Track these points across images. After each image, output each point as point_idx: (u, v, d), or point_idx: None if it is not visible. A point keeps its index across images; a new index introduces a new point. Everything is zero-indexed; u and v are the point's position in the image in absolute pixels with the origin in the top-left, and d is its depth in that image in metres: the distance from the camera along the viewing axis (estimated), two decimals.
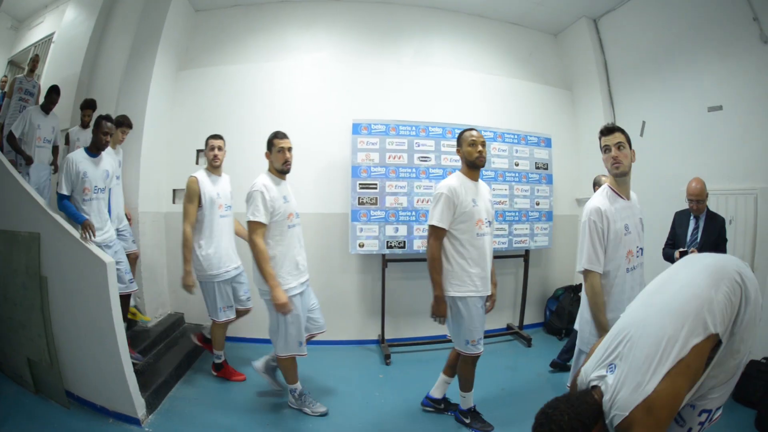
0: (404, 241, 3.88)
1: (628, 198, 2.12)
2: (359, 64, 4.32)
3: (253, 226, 2.49)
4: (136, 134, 3.62)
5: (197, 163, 4.20)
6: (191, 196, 2.95)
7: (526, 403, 2.85)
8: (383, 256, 3.87)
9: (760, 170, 3.22)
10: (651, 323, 1.38)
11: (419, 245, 3.90)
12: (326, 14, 4.37)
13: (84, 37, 3.85)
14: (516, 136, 4.28)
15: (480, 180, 2.53)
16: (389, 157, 3.88)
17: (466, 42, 4.69)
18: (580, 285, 4.61)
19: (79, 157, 2.85)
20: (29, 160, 3.56)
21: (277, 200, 2.56)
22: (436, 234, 2.38)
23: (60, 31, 4.23)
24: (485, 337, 2.54)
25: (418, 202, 3.91)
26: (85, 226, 2.60)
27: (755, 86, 3.24)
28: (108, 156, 3.05)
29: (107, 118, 2.93)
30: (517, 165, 4.25)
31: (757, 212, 3.19)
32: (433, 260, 2.38)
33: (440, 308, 2.40)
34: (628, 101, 4.54)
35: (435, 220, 2.37)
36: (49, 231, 2.62)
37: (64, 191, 2.78)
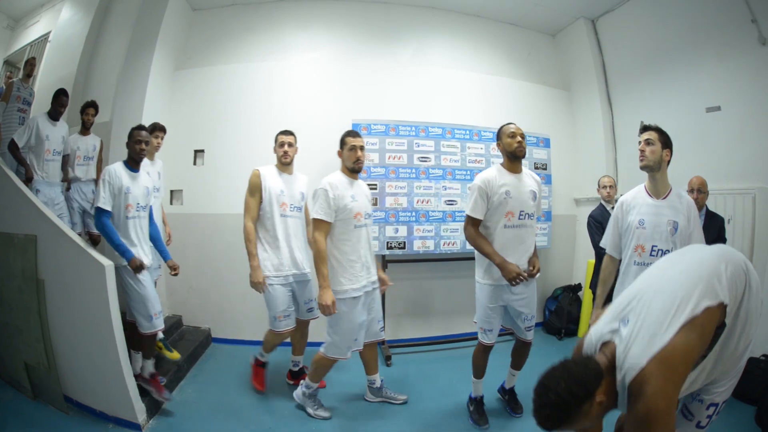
0: (404, 242, 3.86)
1: (657, 197, 2.17)
2: (358, 63, 4.30)
3: (316, 223, 2.50)
4: None
5: (195, 163, 4.17)
6: (252, 190, 2.82)
7: (527, 401, 2.88)
8: (383, 257, 3.84)
9: (758, 170, 3.25)
10: (664, 285, 1.40)
11: (419, 246, 3.90)
12: (324, 13, 4.34)
13: (80, 36, 3.79)
14: None
15: (525, 171, 2.56)
16: (389, 158, 3.86)
17: (464, 42, 4.69)
18: (579, 284, 4.66)
19: (120, 169, 2.62)
20: (29, 176, 3.22)
21: (343, 198, 2.51)
22: (472, 222, 2.48)
23: (56, 30, 4.16)
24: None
25: (418, 202, 3.90)
26: (135, 266, 2.46)
27: (753, 87, 3.26)
28: (145, 171, 2.83)
29: (140, 127, 2.73)
30: None
31: (755, 212, 3.21)
32: (472, 240, 2.47)
33: (508, 270, 2.31)
34: (626, 101, 4.55)
35: (469, 210, 2.48)
36: (46, 233, 2.59)
37: (106, 206, 2.51)
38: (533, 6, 4.50)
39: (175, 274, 2.95)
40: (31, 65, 3.93)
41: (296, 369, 3.17)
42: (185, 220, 4.05)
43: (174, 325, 3.76)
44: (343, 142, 2.67)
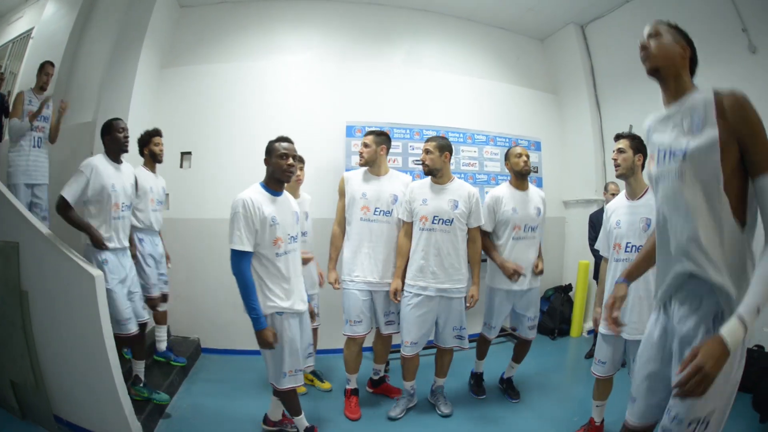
0: None
1: (633, 198, 2.30)
2: (351, 65, 4.25)
3: (401, 223, 2.75)
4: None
5: (181, 166, 4.03)
6: (339, 194, 2.90)
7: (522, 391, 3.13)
8: None
9: None
10: None
11: None
12: (315, 14, 4.28)
13: (64, 33, 3.58)
14: (507, 140, 4.32)
15: (531, 188, 2.92)
16: None
17: (456, 46, 4.71)
18: (570, 285, 4.73)
19: (257, 196, 2.11)
20: (99, 243, 2.40)
21: (413, 202, 2.69)
22: (482, 232, 2.84)
23: (39, 26, 3.93)
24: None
25: None
26: (265, 341, 2.09)
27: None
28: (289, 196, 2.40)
29: (283, 138, 2.21)
30: None
31: None
32: (483, 248, 2.86)
33: (506, 268, 2.76)
34: (614, 105, 4.65)
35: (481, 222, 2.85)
36: (30, 240, 2.41)
37: (245, 246, 2.04)
38: (525, 11, 4.54)
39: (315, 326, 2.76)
40: (47, 74, 3.30)
41: (377, 377, 3.14)
42: (171, 226, 3.87)
43: None
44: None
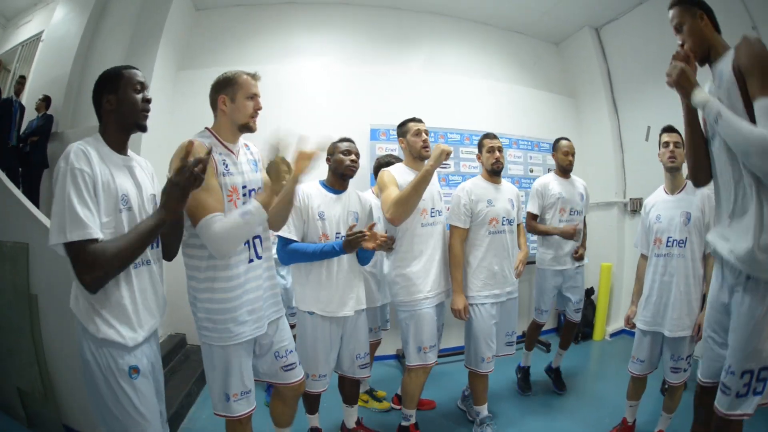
0: None
1: (673, 192, 2.30)
2: (371, 69, 4.18)
3: (451, 229, 2.45)
4: (134, 139, 3.27)
5: None
6: (387, 185, 2.28)
7: (559, 399, 3.07)
8: None
9: None
10: None
11: None
12: (334, 18, 4.24)
13: (75, 36, 3.50)
14: (530, 143, 4.25)
15: (573, 177, 3.11)
16: None
17: (474, 49, 4.67)
18: (592, 288, 4.60)
19: (312, 190, 2.15)
20: None
21: (478, 203, 2.43)
22: (531, 216, 3.03)
23: (49, 29, 3.87)
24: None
25: None
26: (352, 246, 2.01)
27: None
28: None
29: (346, 139, 2.24)
30: (531, 171, 4.20)
31: None
32: (532, 229, 3.02)
33: (566, 230, 2.85)
34: (631, 107, 4.58)
35: (528, 207, 3.05)
36: (40, 241, 2.25)
37: (292, 234, 2.04)
38: (540, 15, 4.51)
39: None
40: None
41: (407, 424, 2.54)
42: None
43: (177, 344, 3.42)
44: (480, 145, 2.60)
